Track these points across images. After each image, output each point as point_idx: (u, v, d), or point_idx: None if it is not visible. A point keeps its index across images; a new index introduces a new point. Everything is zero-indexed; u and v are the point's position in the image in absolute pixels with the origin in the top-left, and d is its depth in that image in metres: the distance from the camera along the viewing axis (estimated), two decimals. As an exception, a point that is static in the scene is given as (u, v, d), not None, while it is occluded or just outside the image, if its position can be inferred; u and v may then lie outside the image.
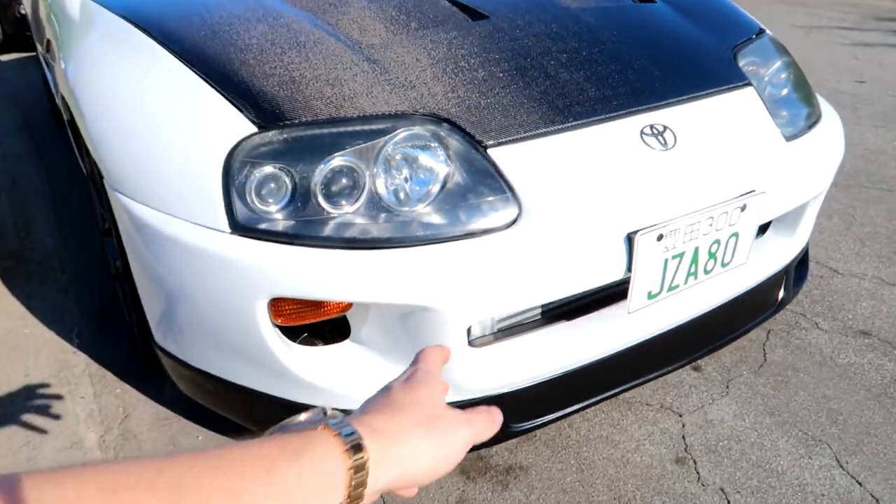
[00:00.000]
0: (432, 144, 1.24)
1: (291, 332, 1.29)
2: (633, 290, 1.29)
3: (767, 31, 1.84)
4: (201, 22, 1.48)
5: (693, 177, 1.34)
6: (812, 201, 1.64)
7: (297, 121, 1.22)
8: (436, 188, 1.22)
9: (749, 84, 1.56)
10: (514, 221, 1.20)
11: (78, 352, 1.84)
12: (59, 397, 1.67)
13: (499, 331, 1.37)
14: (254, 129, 1.22)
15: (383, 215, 1.19)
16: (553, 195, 1.23)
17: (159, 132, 1.30)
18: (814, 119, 1.66)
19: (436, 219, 1.19)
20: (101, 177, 1.43)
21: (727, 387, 1.64)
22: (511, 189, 1.21)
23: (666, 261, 1.31)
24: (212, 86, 1.30)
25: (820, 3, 7.33)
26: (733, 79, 1.55)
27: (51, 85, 2.87)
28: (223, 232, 1.18)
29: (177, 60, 1.36)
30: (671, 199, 1.30)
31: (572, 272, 1.23)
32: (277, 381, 1.30)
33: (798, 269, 1.80)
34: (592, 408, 1.54)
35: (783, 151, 1.49)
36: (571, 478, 1.40)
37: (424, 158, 1.24)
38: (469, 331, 1.29)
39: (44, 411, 1.64)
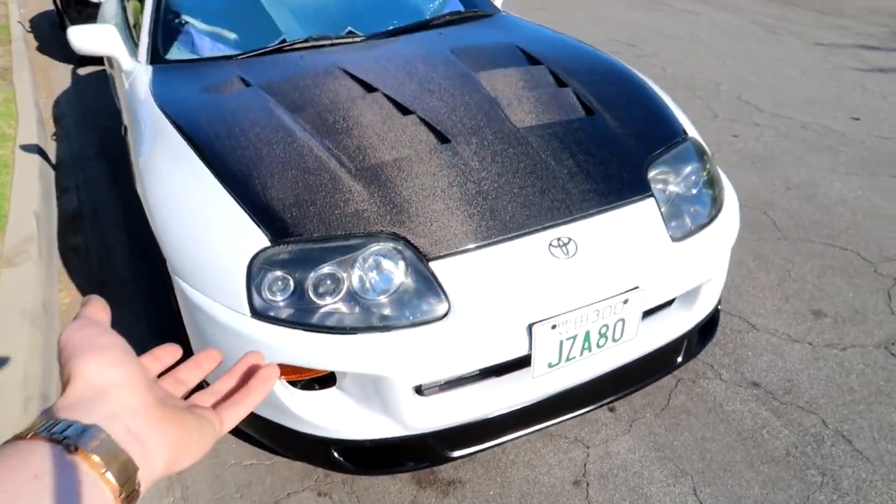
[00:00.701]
0: (393, 256, 1.76)
1: (298, 382, 1.84)
2: (535, 363, 1.79)
3: (689, 137, 2.27)
4: (235, 144, 2.03)
5: (585, 279, 1.82)
6: (705, 285, 2.09)
7: (297, 238, 1.76)
8: (392, 287, 1.74)
9: (650, 195, 2.01)
10: (445, 315, 1.71)
11: (147, 372, 2.45)
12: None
13: (445, 383, 1.89)
14: (268, 243, 1.76)
15: (357, 307, 1.73)
16: (474, 296, 1.74)
17: (202, 237, 1.85)
18: (712, 216, 2.10)
19: (390, 311, 1.72)
20: (165, 261, 2.00)
21: (630, 426, 2.12)
22: (444, 292, 1.73)
23: (561, 342, 1.80)
24: (241, 205, 1.84)
25: (858, 10, 7.41)
26: (638, 191, 2.00)
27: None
28: (245, 315, 1.73)
29: (217, 182, 1.91)
30: (565, 297, 1.78)
31: (487, 351, 1.74)
32: (284, 415, 1.85)
33: (702, 334, 2.25)
34: (523, 438, 2.05)
35: (668, 252, 1.95)
36: (494, 492, 1.93)
37: (386, 264, 1.76)
38: (420, 386, 1.82)
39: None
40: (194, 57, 2.79)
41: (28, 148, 4.19)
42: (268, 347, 1.71)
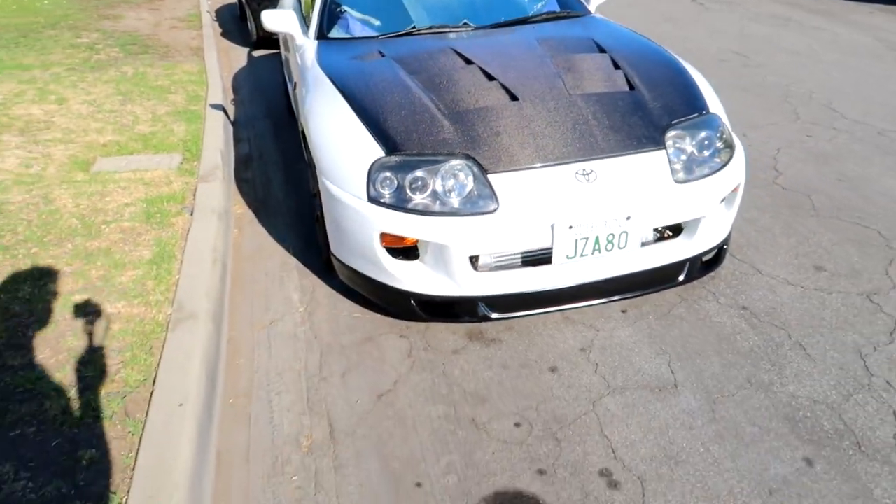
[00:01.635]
0: (465, 169, 2.58)
1: (394, 253, 2.70)
2: (555, 252, 2.55)
3: (710, 112, 2.91)
4: (369, 92, 2.93)
5: (599, 198, 2.55)
6: (703, 222, 2.74)
7: (401, 152, 2.62)
8: (461, 190, 2.56)
9: (663, 149, 2.70)
10: (494, 211, 2.51)
11: (292, 257, 3.43)
12: (280, 280, 3.25)
13: (495, 267, 2.69)
14: (382, 154, 2.64)
15: (437, 201, 2.56)
16: (517, 200, 2.52)
17: (341, 150, 2.76)
18: (713, 171, 2.75)
19: (458, 205, 2.54)
20: (314, 167, 2.94)
21: (634, 322, 2.82)
22: (495, 195, 2.53)
23: (576, 240, 2.55)
24: (368, 130, 2.73)
25: None
26: (652, 145, 2.69)
27: (290, 96, 4.56)
28: (363, 200, 2.62)
29: (354, 115, 2.82)
30: (582, 209, 2.52)
31: (521, 239, 2.52)
32: (383, 274, 2.72)
33: (706, 265, 2.90)
34: (550, 317, 2.80)
35: (668, 189, 2.63)
36: (522, 348, 2.70)
37: (460, 175, 2.59)
38: (476, 262, 2.63)
39: (272, 286, 3.23)
40: (348, 36, 3.76)
41: (215, 107, 5.40)
42: (375, 221, 2.58)
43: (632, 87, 2.96)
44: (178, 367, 2.45)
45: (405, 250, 2.71)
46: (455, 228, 2.52)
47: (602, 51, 3.27)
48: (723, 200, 2.94)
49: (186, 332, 2.64)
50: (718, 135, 2.85)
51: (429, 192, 2.57)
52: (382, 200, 2.59)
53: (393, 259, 2.69)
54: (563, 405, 2.40)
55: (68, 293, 2.84)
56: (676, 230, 2.85)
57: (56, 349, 2.51)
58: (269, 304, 3.07)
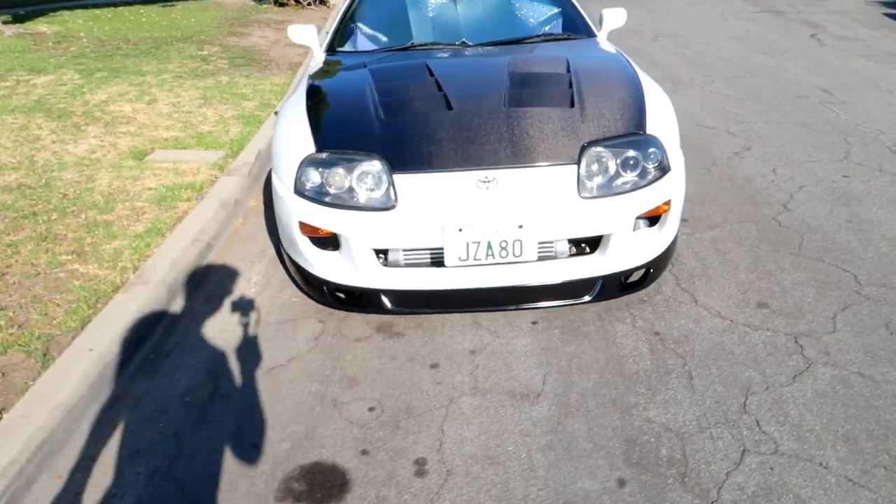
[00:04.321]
0: (376, 169, 2.77)
1: (320, 243, 2.93)
2: (447, 254, 2.66)
3: (647, 134, 2.88)
4: (326, 97, 3.20)
5: (493, 206, 2.64)
6: (613, 238, 2.73)
7: (329, 150, 2.85)
8: (373, 189, 2.75)
9: (574, 164, 2.73)
10: (392, 208, 2.68)
11: (272, 247, 3.76)
12: (251, 264, 3.58)
13: (405, 263, 2.85)
14: (313, 150, 2.89)
15: (350, 197, 2.78)
16: (414, 201, 2.67)
17: (285, 145, 3.05)
18: (629, 189, 2.74)
19: (363, 200, 2.73)
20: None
21: (538, 334, 2.84)
22: (396, 193, 2.70)
23: (467, 243, 2.65)
24: (310, 126, 2.99)
25: None
26: (564, 160, 2.73)
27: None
28: (290, 191, 2.89)
29: (305, 113, 3.10)
30: (475, 214, 2.63)
31: (417, 238, 2.66)
32: (306, 262, 2.96)
33: (625, 285, 2.87)
34: (459, 319, 2.90)
35: (571, 204, 2.67)
36: (419, 343, 2.82)
37: (373, 175, 2.78)
38: (387, 258, 2.81)
39: (240, 268, 3.57)
40: (353, 50, 4.08)
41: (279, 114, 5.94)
42: (298, 212, 2.83)
43: (572, 104, 3.01)
44: (108, 321, 2.84)
45: (330, 241, 2.94)
46: (356, 222, 2.71)
47: (567, 71, 3.32)
48: (654, 223, 2.90)
49: (133, 295, 3.03)
50: (647, 156, 2.83)
51: (345, 187, 2.79)
52: (304, 192, 2.84)
53: (313, 247, 2.93)
54: (422, 398, 2.50)
55: (58, 253, 3.36)
56: (595, 247, 2.85)
57: (24, 294, 2.99)
58: (230, 281, 3.41)
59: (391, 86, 3.24)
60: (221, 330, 2.99)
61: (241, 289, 3.31)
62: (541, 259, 2.77)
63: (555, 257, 2.81)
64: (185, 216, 3.83)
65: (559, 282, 2.77)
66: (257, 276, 3.44)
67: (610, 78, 3.29)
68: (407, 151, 2.80)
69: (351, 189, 2.78)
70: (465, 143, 2.80)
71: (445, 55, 3.73)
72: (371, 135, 2.89)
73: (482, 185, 2.69)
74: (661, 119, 3.04)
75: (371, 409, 2.46)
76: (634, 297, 3.04)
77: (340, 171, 2.80)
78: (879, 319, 2.82)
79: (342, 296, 2.93)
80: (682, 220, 3.79)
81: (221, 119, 5.78)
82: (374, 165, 2.77)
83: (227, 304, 3.19)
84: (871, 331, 2.75)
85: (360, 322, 2.99)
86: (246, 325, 3.02)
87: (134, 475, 2.21)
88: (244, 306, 3.17)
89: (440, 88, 3.16)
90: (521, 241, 2.66)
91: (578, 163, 2.74)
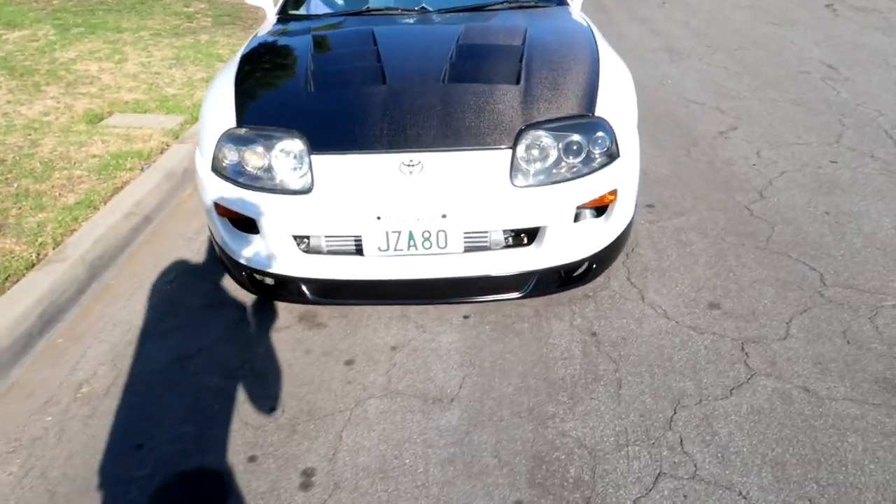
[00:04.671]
0: (295, 148, 2.55)
1: (242, 224, 2.74)
2: (365, 244, 2.46)
3: (596, 117, 2.62)
4: (261, 61, 2.97)
5: (415, 193, 2.42)
6: (549, 230, 2.51)
7: (250, 125, 2.63)
8: (291, 170, 2.54)
9: (509, 148, 2.49)
10: (308, 192, 2.47)
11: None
12: (188, 241, 3.40)
13: (327, 251, 2.64)
14: (233, 124, 2.67)
15: (267, 178, 2.56)
16: (332, 185, 2.46)
17: (208, 118, 2.83)
18: (569, 178, 2.50)
19: (279, 182, 2.52)
20: (199, 134, 3.04)
21: (467, 330, 2.65)
22: (313, 177, 2.48)
23: (387, 232, 2.44)
24: (235, 98, 2.77)
25: None
26: (498, 143, 2.49)
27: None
28: (208, 168, 2.68)
29: (233, 84, 2.87)
30: (397, 202, 2.41)
31: (335, 225, 2.45)
32: (224, 245, 2.78)
33: (564, 280, 2.65)
34: (386, 311, 2.71)
35: (502, 193, 2.44)
36: (339, 336, 2.64)
37: (291, 154, 2.56)
38: (309, 244, 2.61)
39: (175, 245, 3.39)
40: (306, 14, 3.82)
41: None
42: (214, 192, 2.63)
43: (518, 81, 2.76)
44: (14, 301, 2.68)
45: (249, 223, 2.74)
46: (270, 206, 2.51)
47: (522, 43, 3.06)
48: (601, 213, 2.68)
49: (47, 273, 2.87)
50: (593, 141, 2.58)
51: (263, 167, 2.58)
52: (221, 171, 2.64)
53: (232, 230, 2.73)
54: (329, 399, 2.33)
55: (-22, 225, 3.19)
56: (534, 237, 2.63)
57: (-70, 270, 2.83)
58: (160, 261, 3.23)
59: (330, 55, 3.01)
60: (138, 313, 2.83)
61: (169, 269, 3.14)
62: (469, 251, 2.56)
63: (487, 248, 2.59)
64: (123, 187, 3.65)
65: (488, 275, 2.56)
66: (190, 255, 3.26)
67: (567, 53, 3.01)
68: (329, 129, 2.58)
69: (269, 169, 2.57)
70: (392, 121, 2.57)
71: (398, 22, 3.47)
72: (296, 110, 2.67)
73: (405, 170, 2.47)
74: (616, 100, 2.78)
75: (271, 410, 2.29)
76: (578, 292, 2.84)
77: (259, 149, 2.58)
78: (838, 326, 2.60)
79: (263, 282, 2.74)
80: (649, 205, 3.55)
81: (189, 81, 5.55)
82: (295, 144, 2.56)
83: (149, 285, 3.02)
84: (826, 339, 2.53)
85: (283, 310, 2.81)
86: (166, 310, 2.85)
87: (5, 476, 2.06)
88: (167, 289, 3.00)
89: (379, 59, 2.92)
90: (445, 232, 2.44)
91: (514, 147, 2.50)
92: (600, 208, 2.70)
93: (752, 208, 3.53)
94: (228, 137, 2.64)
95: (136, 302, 2.90)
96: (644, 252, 3.14)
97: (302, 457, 2.09)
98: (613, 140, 2.62)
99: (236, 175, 2.59)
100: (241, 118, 2.67)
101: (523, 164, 2.49)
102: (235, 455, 2.11)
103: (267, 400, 2.34)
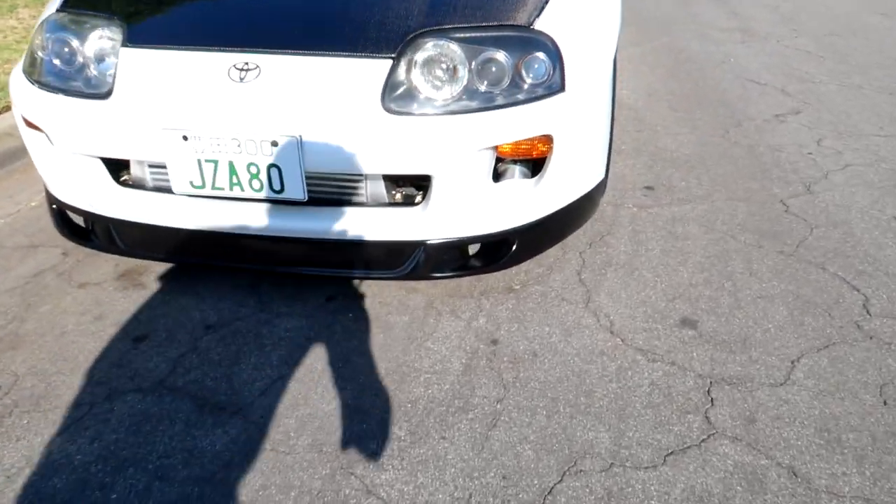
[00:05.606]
0: (108, 37, 1.85)
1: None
2: (172, 175, 1.73)
3: (534, 31, 1.79)
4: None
5: (242, 108, 1.67)
6: (436, 181, 1.71)
7: (74, 8, 1.95)
8: (97, 67, 1.84)
9: (390, 59, 1.70)
10: (106, 96, 1.77)
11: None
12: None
13: (153, 184, 1.93)
14: (54, 9, 2.00)
15: (73, 74, 1.87)
16: (137, 89, 1.76)
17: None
18: (474, 108, 1.70)
19: (81, 83, 1.84)
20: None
21: (321, 316, 1.88)
22: (115, 76, 1.78)
23: (199, 161, 1.71)
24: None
25: None
26: (375, 51, 1.71)
27: None
28: (18, 70, 2.02)
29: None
30: (214, 118, 1.68)
31: (135, 145, 1.75)
32: (41, 172, 2.12)
33: (463, 259, 1.85)
34: (240, 276, 1.99)
35: (368, 120, 1.66)
36: (156, 302, 1.93)
37: (104, 46, 1.86)
38: (131, 175, 1.92)
39: None
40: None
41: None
42: (18, 98, 1.97)
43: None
44: None
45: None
46: (59, 114, 1.83)
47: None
48: (536, 171, 1.86)
49: None
50: (526, 63, 1.76)
51: (76, 64, 1.90)
52: (30, 71, 1.98)
53: (37, 148, 2.06)
54: (77, 384, 1.63)
55: None
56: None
57: None
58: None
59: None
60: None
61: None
62: (320, 201, 1.79)
63: (353, 202, 1.82)
64: None
65: (342, 240, 1.78)
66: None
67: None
68: (154, 16, 1.87)
69: (83, 67, 1.88)
70: (232, 12, 1.84)
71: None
72: (128, -2, 1.98)
73: (235, 75, 1.72)
74: (574, 14, 1.93)
75: (-7, 390, 1.61)
76: (498, 283, 2.02)
77: (73, 39, 1.90)
78: (874, 376, 1.66)
79: (73, 221, 2.07)
80: (647, 187, 2.67)
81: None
82: (115, 33, 1.86)
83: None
84: (849, 393, 1.61)
85: (109, 262, 2.13)
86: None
87: None
88: (-5, 222, 2.38)
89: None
90: (278, 169, 1.69)
91: (397, 58, 1.71)
92: (533, 163, 1.87)
93: (790, 203, 2.58)
94: (47, 27, 1.97)
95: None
96: (615, 242, 2.27)
97: (-25, 466, 1.39)
98: (557, 66, 1.78)
99: (45, 75, 1.92)
100: (64, 1, 2.00)
101: (407, 83, 1.70)
102: None
103: (4, 375, 1.65)
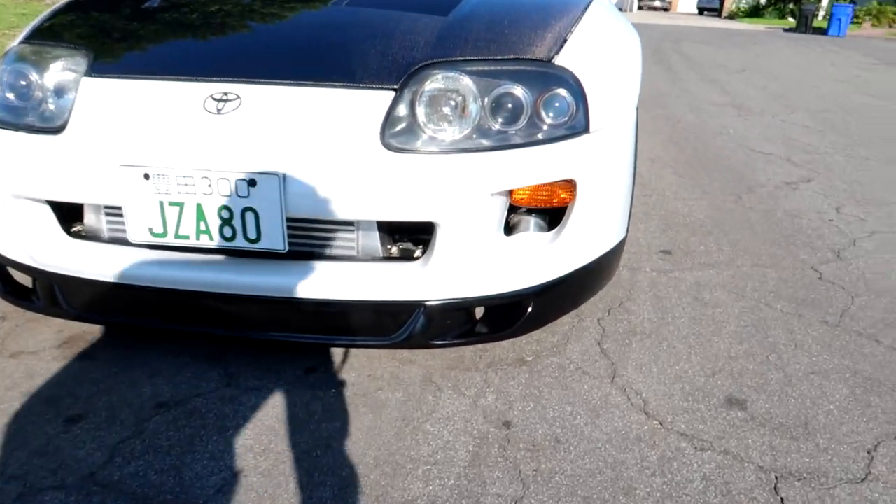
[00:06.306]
0: (70, 68, 1.62)
1: None
2: (127, 216, 1.46)
3: (555, 66, 1.60)
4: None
5: (214, 142, 1.43)
6: (441, 230, 1.45)
7: (30, 42, 1.73)
8: (54, 94, 1.60)
9: (393, 90, 1.48)
10: (60, 130, 1.52)
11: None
12: None
13: (109, 234, 1.66)
14: (18, 41, 1.78)
15: (27, 104, 1.62)
16: (96, 122, 1.51)
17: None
18: (476, 148, 1.46)
19: (33, 116, 1.59)
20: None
21: (299, 391, 1.57)
22: (72, 108, 1.54)
23: (162, 203, 1.44)
24: (48, 13, 1.90)
25: None
26: (370, 82, 1.49)
27: None
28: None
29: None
30: (180, 153, 1.42)
31: (90, 185, 1.48)
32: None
33: (455, 323, 1.57)
34: (206, 342, 1.68)
35: (365, 156, 1.42)
36: (104, 373, 1.62)
37: (66, 78, 1.62)
38: (80, 220, 1.65)
39: None
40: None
41: None
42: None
43: (448, 12, 1.77)
44: None
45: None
46: (2, 150, 1.57)
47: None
48: (555, 224, 1.61)
49: None
50: (547, 100, 1.54)
51: (35, 98, 1.65)
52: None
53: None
54: (-15, 479, 1.28)
55: None
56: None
57: None
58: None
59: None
60: None
61: None
62: (298, 254, 1.52)
63: (337, 255, 1.55)
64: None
65: (326, 300, 1.50)
66: None
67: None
68: (124, 42, 1.65)
69: (41, 102, 1.64)
70: (214, 36, 1.63)
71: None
72: (103, 18, 1.77)
73: (213, 106, 1.48)
74: (596, 52, 1.74)
75: None
76: (506, 354, 1.73)
77: (31, 72, 1.67)
78: (970, 470, 1.37)
79: (12, 279, 1.77)
80: (664, 251, 2.43)
81: None
82: (78, 64, 1.63)
83: None
84: (946, 492, 1.31)
85: (51, 326, 1.82)
86: None
87: None
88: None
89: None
90: (255, 211, 1.42)
91: (401, 90, 1.48)
92: (550, 214, 1.63)
93: (822, 270, 2.34)
94: (11, 58, 1.75)
95: None
96: (637, 309, 2.00)
97: None
98: (580, 105, 1.57)
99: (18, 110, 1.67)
100: (30, 33, 1.78)
101: (411, 118, 1.47)
102: None
103: None
